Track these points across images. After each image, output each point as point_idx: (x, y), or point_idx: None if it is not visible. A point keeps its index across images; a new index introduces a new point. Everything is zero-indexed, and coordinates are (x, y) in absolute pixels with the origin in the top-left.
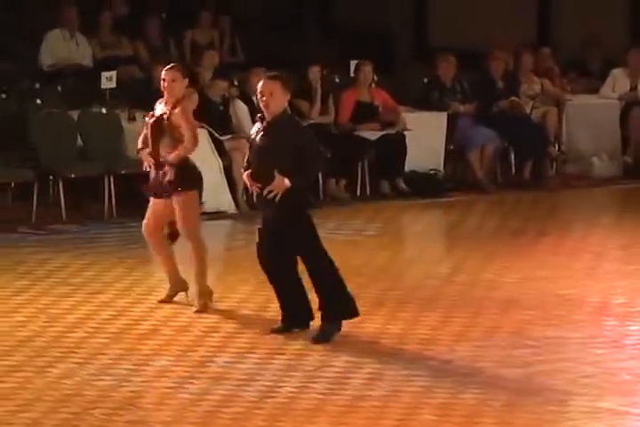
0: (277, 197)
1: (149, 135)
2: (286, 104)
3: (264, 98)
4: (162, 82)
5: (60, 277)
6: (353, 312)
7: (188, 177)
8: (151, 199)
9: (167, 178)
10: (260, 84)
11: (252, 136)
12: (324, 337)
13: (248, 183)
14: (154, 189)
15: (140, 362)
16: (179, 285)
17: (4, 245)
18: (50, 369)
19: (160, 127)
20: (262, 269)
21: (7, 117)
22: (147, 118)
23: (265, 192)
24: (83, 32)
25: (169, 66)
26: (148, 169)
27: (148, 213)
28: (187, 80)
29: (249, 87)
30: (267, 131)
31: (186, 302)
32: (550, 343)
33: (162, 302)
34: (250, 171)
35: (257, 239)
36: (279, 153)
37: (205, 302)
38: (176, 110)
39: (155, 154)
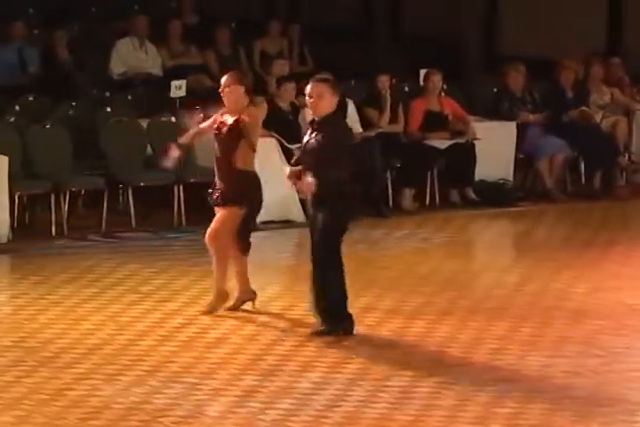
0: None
1: (219, 146)
2: (334, 106)
3: (312, 100)
4: (221, 89)
5: (129, 285)
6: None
7: (240, 193)
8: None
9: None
10: (309, 86)
11: (304, 138)
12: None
13: (290, 182)
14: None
15: (209, 370)
16: (221, 295)
17: (73, 252)
18: (119, 377)
19: (233, 137)
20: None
21: (78, 126)
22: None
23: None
24: (152, 41)
25: (229, 73)
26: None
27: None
28: (242, 87)
29: None
30: (313, 132)
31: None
32: (620, 353)
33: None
34: (293, 169)
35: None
36: (322, 152)
37: (216, 305)
38: (243, 118)
39: (226, 164)
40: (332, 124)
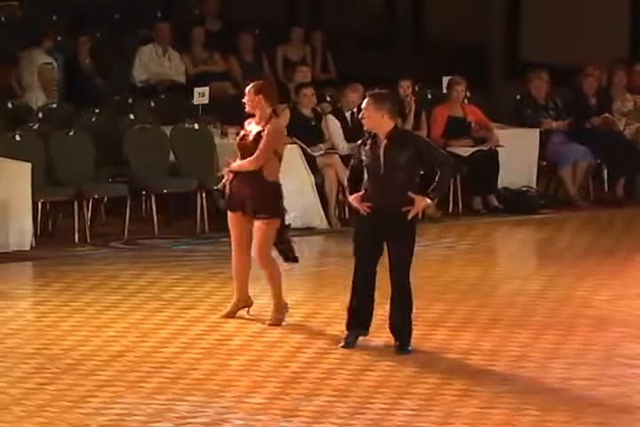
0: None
1: (243, 155)
2: (388, 121)
3: (361, 114)
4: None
5: (152, 293)
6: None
7: (271, 204)
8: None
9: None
10: (365, 101)
11: (359, 156)
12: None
13: (357, 205)
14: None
15: (231, 378)
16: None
17: (96, 259)
18: (142, 384)
19: (257, 147)
20: None
21: (101, 133)
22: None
23: (410, 215)
24: (175, 48)
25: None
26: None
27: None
28: (260, 96)
29: (344, 103)
30: (388, 148)
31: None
32: None
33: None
34: (359, 194)
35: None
36: (402, 168)
37: (280, 317)
38: (264, 131)
39: (251, 173)
40: (401, 139)
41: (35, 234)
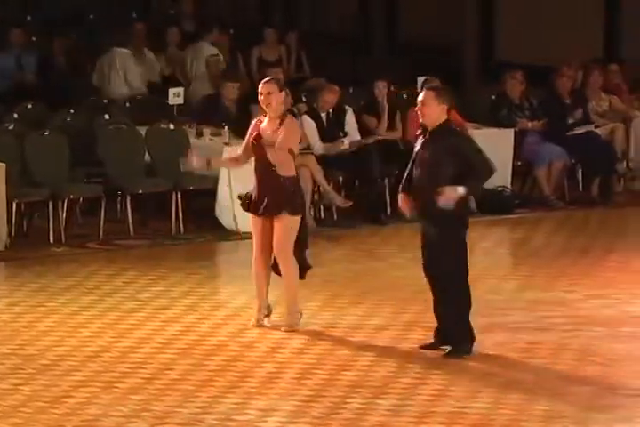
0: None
1: (257, 154)
2: (443, 114)
3: (418, 107)
4: (259, 95)
5: (128, 293)
6: (471, 340)
7: (288, 200)
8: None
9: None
10: (424, 95)
11: (415, 149)
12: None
13: (403, 206)
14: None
15: (207, 378)
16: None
17: (71, 260)
18: (117, 384)
19: (271, 146)
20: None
21: (76, 133)
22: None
23: (440, 203)
24: (150, 48)
25: (266, 79)
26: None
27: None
28: (283, 93)
29: (320, 103)
30: (427, 142)
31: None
32: (619, 360)
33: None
34: (405, 193)
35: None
36: (442, 163)
37: (296, 320)
38: (281, 128)
39: (266, 171)
40: (444, 134)
41: (9, 235)
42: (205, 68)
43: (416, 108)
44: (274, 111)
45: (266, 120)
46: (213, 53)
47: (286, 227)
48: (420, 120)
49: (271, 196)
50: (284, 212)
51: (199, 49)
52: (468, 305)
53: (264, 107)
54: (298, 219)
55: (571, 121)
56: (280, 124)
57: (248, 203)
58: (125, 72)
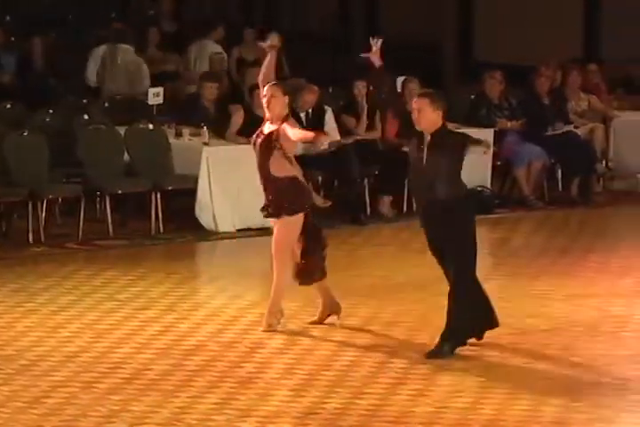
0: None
1: (258, 154)
2: (440, 119)
3: (414, 115)
4: (262, 98)
5: (107, 293)
6: (477, 334)
7: (289, 201)
8: None
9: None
10: (418, 101)
11: (413, 155)
12: (436, 353)
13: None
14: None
15: (186, 378)
16: (332, 306)
17: (50, 260)
18: (96, 385)
19: (269, 146)
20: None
21: (55, 133)
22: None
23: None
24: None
25: (272, 82)
26: None
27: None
28: (287, 97)
29: (300, 103)
30: (431, 146)
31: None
32: (597, 360)
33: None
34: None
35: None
36: (448, 164)
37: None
38: (282, 127)
39: (265, 172)
40: (443, 140)
41: None
42: (209, 65)
43: (413, 115)
44: (276, 115)
45: (267, 124)
46: (217, 51)
47: (283, 228)
48: (416, 127)
49: (272, 198)
50: (283, 214)
51: (203, 47)
52: (476, 305)
53: (265, 109)
54: (297, 219)
55: (550, 131)
56: (280, 124)
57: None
58: (127, 68)
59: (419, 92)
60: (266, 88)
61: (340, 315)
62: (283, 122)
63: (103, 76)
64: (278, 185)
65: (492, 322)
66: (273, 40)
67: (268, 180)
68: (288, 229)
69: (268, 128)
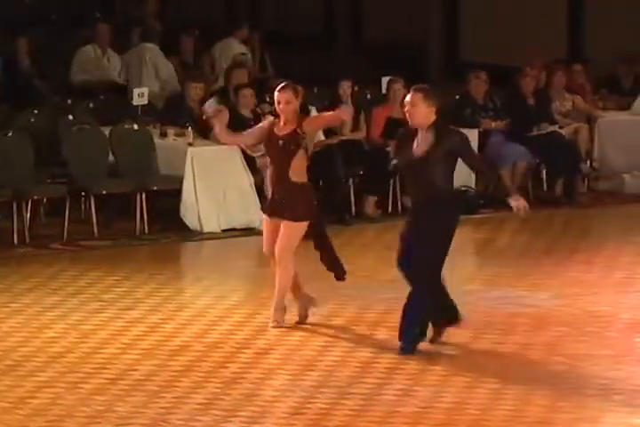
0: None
1: (278, 157)
2: (432, 115)
3: (406, 108)
4: (277, 104)
5: (92, 294)
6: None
7: (306, 207)
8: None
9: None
10: (411, 96)
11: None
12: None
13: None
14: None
15: (172, 378)
16: (306, 301)
17: (35, 261)
18: (81, 385)
19: (297, 143)
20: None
21: (39, 133)
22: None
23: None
24: (115, 49)
25: (281, 86)
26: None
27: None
28: (299, 100)
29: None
30: (426, 141)
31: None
32: (581, 360)
33: (298, 323)
34: None
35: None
36: (439, 163)
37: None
38: (304, 126)
39: (283, 176)
40: (438, 135)
41: None
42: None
43: (404, 110)
44: (291, 117)
45: (281, 125)
46: (242, 52)
47: (288, 233)
48: (409, 122)
49: (282, 199)
50: (289, 218)
51: (228, 46)
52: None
53: (280, 113)
54: (302, 225)
55: (535, 131)
56: (299, 126)
57: (267, 205)
58: (156, 68)
59: (414, 87)
60: (278, 94)
61: (317, 304)
62: (302, 120)
63: (133, 75)
64: (292, 191)
65: (452, 317)
66: (209, 111)
67: (283, 184)
68: (292, 234)
69: (286, 128)
